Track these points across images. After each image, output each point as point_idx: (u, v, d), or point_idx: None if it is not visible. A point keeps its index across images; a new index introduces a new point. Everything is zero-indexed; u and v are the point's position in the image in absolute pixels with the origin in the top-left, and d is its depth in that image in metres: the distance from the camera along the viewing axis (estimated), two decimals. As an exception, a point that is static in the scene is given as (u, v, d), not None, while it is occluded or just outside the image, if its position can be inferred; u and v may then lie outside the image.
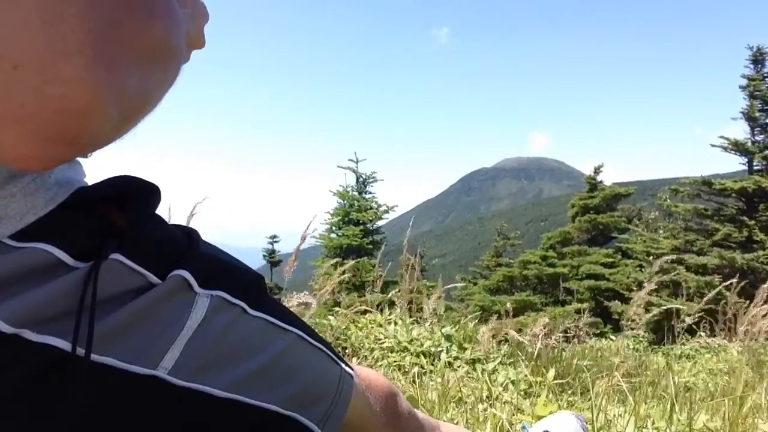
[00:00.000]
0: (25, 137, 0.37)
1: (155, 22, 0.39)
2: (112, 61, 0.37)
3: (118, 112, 0.39)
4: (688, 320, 4.36)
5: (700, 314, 4.51)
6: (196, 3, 0.55)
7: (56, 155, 0.40)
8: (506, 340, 2.98)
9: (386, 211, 13.86)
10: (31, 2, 0.34)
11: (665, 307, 4.60)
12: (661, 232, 14.30)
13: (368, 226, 13.24)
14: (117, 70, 0.37)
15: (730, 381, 2.17)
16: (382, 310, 3.21)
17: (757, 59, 14.09)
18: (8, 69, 0.34)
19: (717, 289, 4.85)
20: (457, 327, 2.90)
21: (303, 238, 3.07)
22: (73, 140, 0.38)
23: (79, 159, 0.53)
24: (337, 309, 3.19)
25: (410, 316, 3.15)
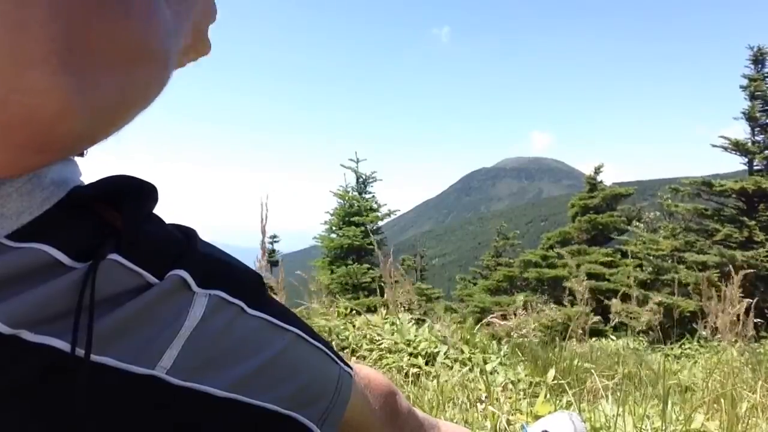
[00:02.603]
0: None
1: (131, 22, 0.38)
2: (82, 67, 0.36)
3: (91, 117, 0.38)
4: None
5: (698, 308, 4.52)
6: (202, 1, 0.54)
7: (26, 163, 0.39)
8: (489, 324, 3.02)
9: (388, 214, 13.84)
10: None
11: (665, 305, 4.60)
12: (661, 232, 14.27)
13: (368, 226, 13.24)
14: (87, 75, 0.36)
15: (730, 380, 2.18)
16: (377, 311, 3.21)
17: (757, 59, 14.06)
18: None
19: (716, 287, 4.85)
20: (456, 327, 2.90)
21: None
22: (43, 148, 0.38)
23: (75, 158, 0.53)
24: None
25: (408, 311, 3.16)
